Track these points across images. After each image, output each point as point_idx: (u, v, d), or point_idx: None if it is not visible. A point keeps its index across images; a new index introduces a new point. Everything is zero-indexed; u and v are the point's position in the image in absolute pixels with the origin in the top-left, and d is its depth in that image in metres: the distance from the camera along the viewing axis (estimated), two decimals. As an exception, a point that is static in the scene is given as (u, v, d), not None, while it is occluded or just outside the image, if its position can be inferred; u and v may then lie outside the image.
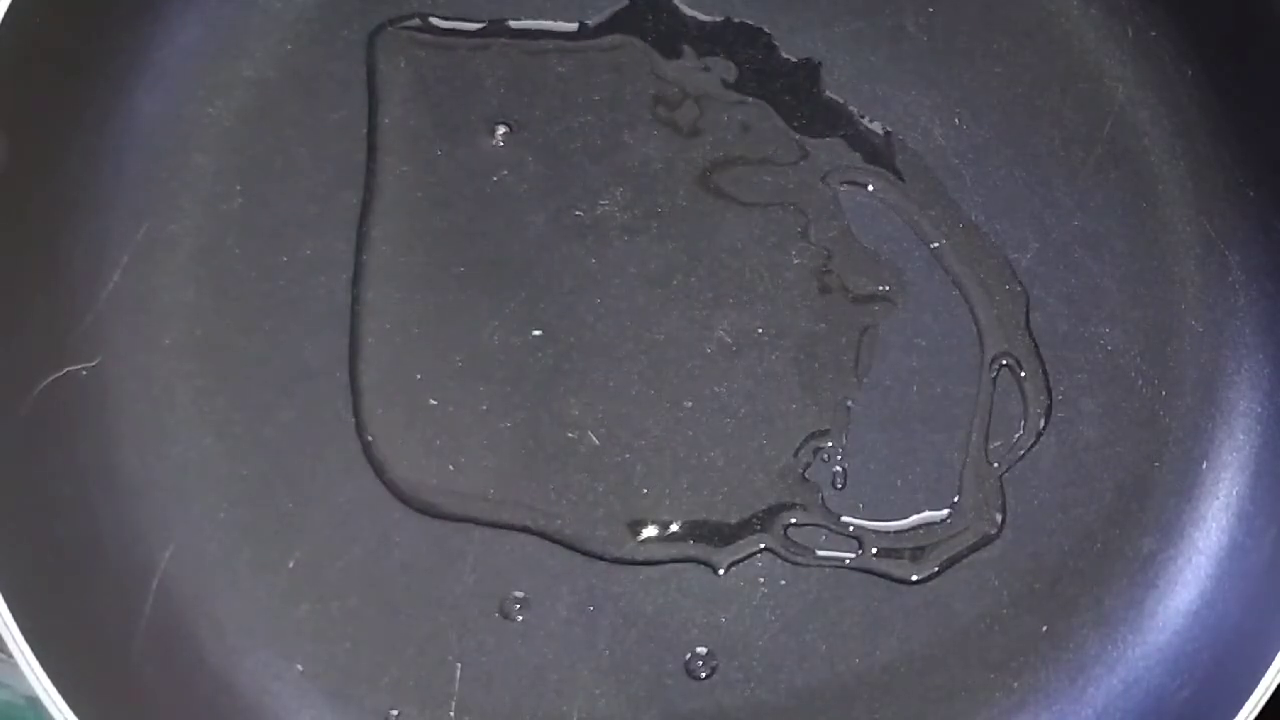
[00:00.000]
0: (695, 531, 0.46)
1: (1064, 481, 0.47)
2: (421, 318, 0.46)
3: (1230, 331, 0.47)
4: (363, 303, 0.46)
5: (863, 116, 0.48)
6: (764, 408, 0.47)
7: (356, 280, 0.46)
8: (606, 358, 0.47)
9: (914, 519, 0.46)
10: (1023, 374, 0.47)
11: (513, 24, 0.47)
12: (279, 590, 0.46)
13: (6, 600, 0.41)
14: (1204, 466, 0.47)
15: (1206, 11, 0.46)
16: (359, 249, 0.46)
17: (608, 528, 0.46)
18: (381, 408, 0.46)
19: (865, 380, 0.47)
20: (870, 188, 0.47)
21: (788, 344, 0.47)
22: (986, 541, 0.46)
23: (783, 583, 0.46)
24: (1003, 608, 0.46)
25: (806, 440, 0.47)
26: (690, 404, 0.46)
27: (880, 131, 0.47)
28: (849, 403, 0.47)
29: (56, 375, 0.45)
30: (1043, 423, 0.47)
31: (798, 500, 0.46)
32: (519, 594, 0.46)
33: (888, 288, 0.47)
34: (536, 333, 0.47)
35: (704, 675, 0.46)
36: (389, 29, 0.47)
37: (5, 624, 0.40)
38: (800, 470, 0.47)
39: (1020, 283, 0.47)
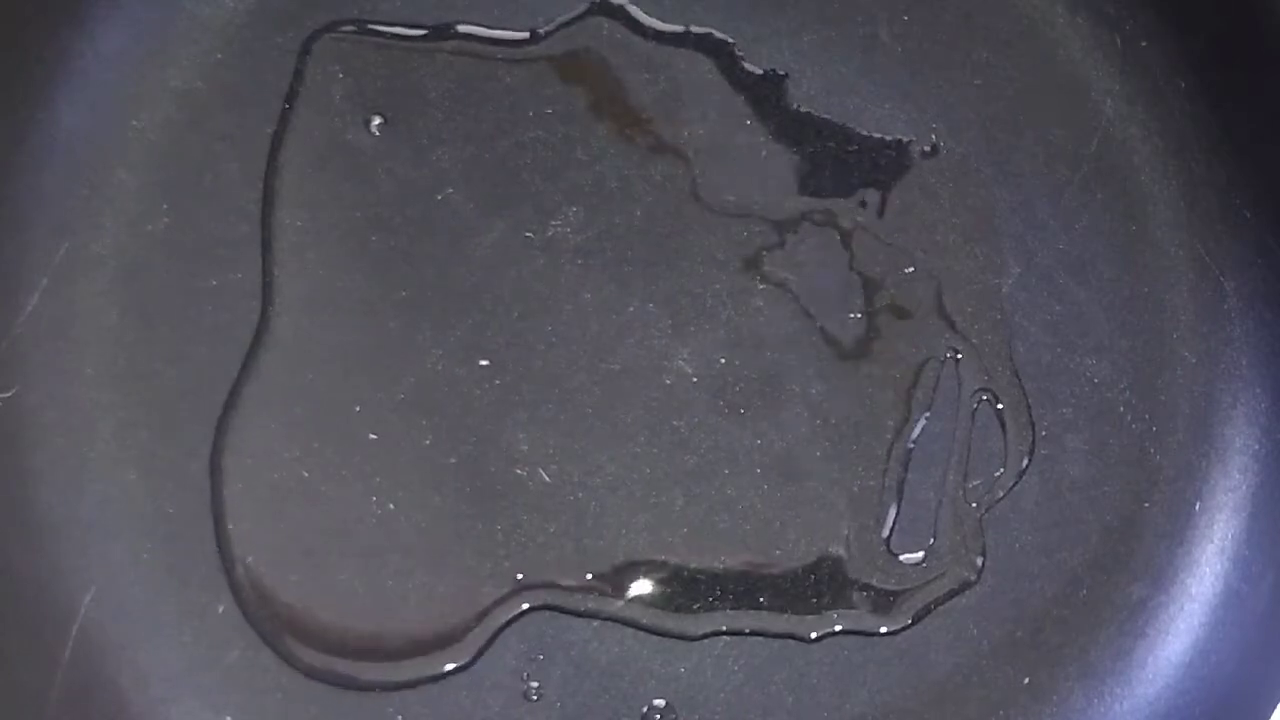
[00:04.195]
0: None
1: (1048, 523, 0.46)
2: (361, 346, 0.45)
3: (1225, 363, 0.47)
4: (297, 330, 0.45)
5: (833, 131, 0.47)
6: (726, 443, 0.46)
7: (290, 305, 0.45)
8: (558, 389, 0.46)
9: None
10: (1003, 408, 0.46)
11: (460, 29, 0.46)
12: (207, 636, 0.45)
13: (-88, 649, 0.40)
14: (1197, 507, 0.46)
15: (1201, 19, 0.46)
16: (293, 272, 0.45)
17: (559, 571, 0.45)
18: (317, 441, 0.45)
19: (835, 413, 0.47)
20: (840, 208, 0.47)
21: (752, 375, 0.46)
22: (965, 587, 0.46)
23: (746, 630, 0.45)
24: (981, 658, 0.46)
25: (772, 477, 0.46)
26: (648, 439, 0.45)
27: (851, 146, 0.47)
28: (818, 437, 0.46)
29: (-32, 406, 0.44)
30: (1025, 460, 0.46)
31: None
32: (464, 641, 0.45)
33: (858, 315, 0.46)
34: (483, 363, 0.45)
35: (661, 730, 0.45)
36: (325, 36, 0.46)
37: (-90, 676, 0.40)
38: (765, 510, 0.46)
39: (1001, 310, 0.46)
